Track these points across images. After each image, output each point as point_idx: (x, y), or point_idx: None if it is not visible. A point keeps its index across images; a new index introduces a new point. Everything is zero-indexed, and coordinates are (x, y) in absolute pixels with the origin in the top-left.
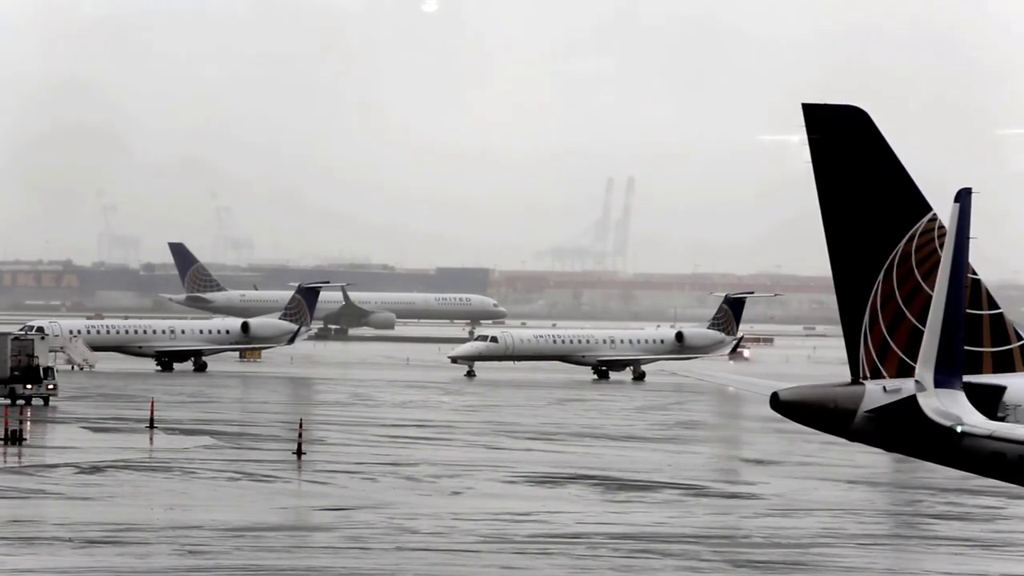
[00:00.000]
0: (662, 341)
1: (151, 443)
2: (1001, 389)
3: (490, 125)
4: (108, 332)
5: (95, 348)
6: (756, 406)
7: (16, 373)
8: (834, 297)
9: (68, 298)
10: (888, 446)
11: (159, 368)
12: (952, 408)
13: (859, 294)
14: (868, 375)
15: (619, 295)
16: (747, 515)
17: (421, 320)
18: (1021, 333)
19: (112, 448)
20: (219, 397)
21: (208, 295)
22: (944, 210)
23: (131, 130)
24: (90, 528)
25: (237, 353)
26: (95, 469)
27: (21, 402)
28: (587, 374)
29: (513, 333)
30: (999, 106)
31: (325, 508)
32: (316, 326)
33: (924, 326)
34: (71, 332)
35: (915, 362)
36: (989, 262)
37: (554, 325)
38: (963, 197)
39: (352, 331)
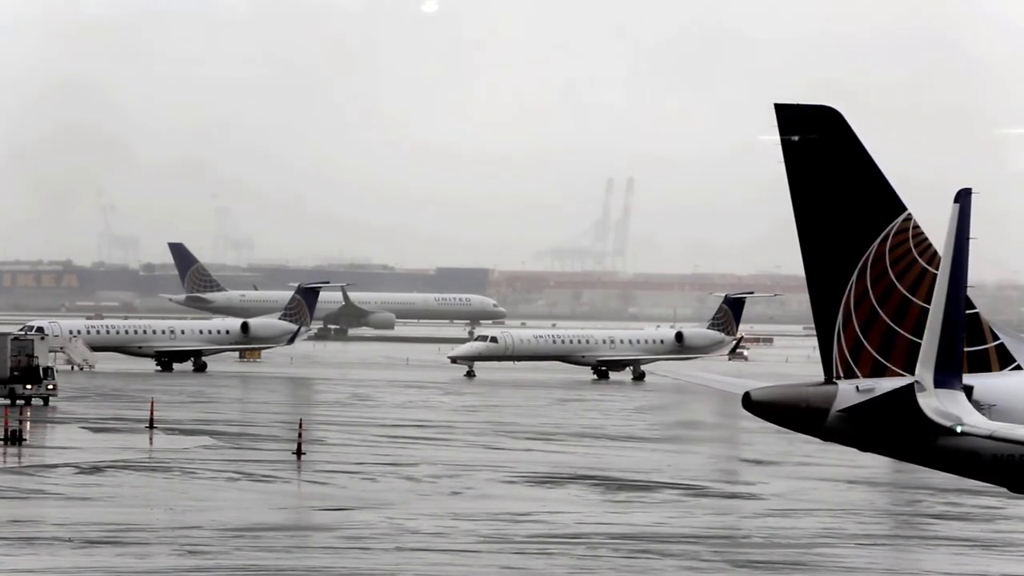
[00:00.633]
0: (662, 341)
1: (151, 443)
2: (968, 389)
3: (490, 125)
4: (108, 332)
5: (95, 348)
6: None
7: (16, 373)
8: None
9: (68, 298)
10: (861, 445)
11: (159, 368)
12: (952, 408)
13: (832, 294)
14: (841, 375)
15: (619, 295)
16: (747, 515)
17: (421, 320)
18: (997, 333)
19: (112, 448)
20: (219, 397)
21: (208, 295)
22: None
23: (131, 130)
24: (90, 528)
25: (237, 353)
26: (95, 469)
27: (21, 402)
28: (587, 374)
29: (513, 333)
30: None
31: (325, 508)
32: (316, 326)
33: (898, 326)
34: (71, 332)
35: (888, 362)
36: (989, 262)
37: (554, 325)
38: (963, 197)
39: (352, 331)
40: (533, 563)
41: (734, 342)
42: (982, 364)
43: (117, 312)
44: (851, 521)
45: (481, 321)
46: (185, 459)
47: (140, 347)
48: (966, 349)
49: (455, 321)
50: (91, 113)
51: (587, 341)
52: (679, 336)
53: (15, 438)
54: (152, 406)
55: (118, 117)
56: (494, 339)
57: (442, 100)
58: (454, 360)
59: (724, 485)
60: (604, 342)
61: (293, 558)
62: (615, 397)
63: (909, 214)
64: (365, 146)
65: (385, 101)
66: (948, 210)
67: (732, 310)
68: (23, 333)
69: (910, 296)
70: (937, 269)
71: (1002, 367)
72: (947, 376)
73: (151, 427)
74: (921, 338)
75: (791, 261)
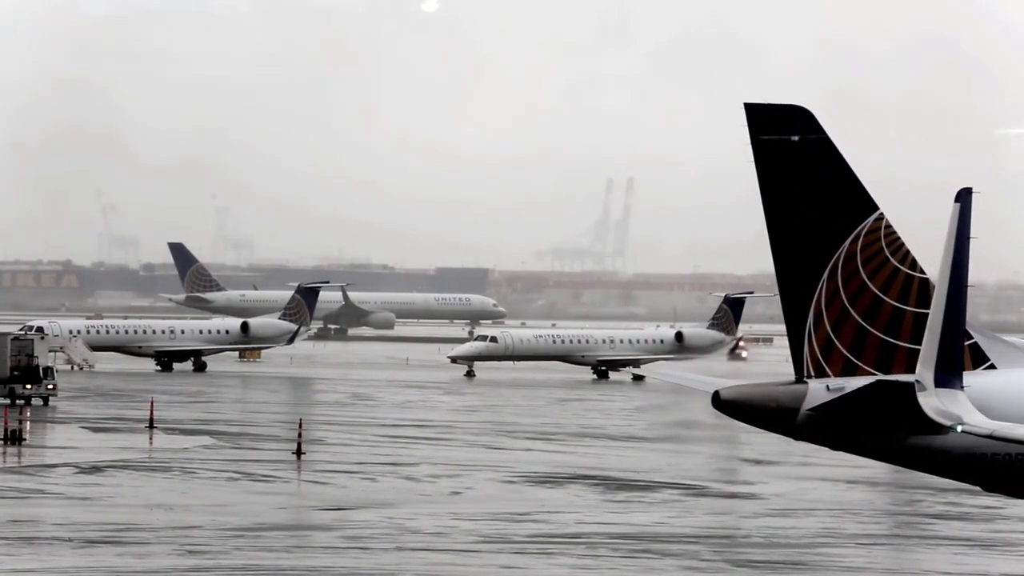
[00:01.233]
0: (662, 341)
1: (151, 443)
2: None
3: (490, 125)
4: (108, 332)
5: (95, 348)
6: None
7: (16, 373)
8: None
9: (67, 298)
10: (832, 444)
11: (159, 368)
12: (953, 408)
13: (803, 293)
14: (812, 374)
15: (619, 295)
16: (747, 515)
17: (421, 320)
18: (971, 332)
19: (112, 448)
20: (219, 397)
21: (208, 295)
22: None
23: (131, 130)
24: (90, 528)
25: (237, 353)
26: (95, 469)
27: (21, 402)
28: (587, 374)
29: (513, 333)
30: (999, 106)
31: (325, 508)
32: (316, 326)
33: (869, 325)
34: (71, 332)
35: (860, 361)
36: (989, 262)
37: (554, 325)
38: (963, 197)
39: (352, 331)
40: (533, 563)
41: (734, 342)
42: None
43: (117, 312)
44: (851, 521)
45: (481, 321)
46: (185, 459)
47: (140, 347)
48: None
49: (455, 321)
50: (91, 113)
51: (587, 341)
52: (679, 336)
53: (15, 438)
54: (152, 406)
55: (118, 117)
56: (494, 339)
57: (442, 100)
58: (454, 360)
59: (724, 485)
60: (604, 342)
61: (293, 558)
62: (615, 397)
63: (881, 213)
64: (365, 146)
65: (385, 101)
66: (947, 209)
67: (732, 310)
68: (23, 333)
69: (881, 295)
70: (909, 268)
71: (975, 366)
72: (947, 376)
73: (151, 427)
74: (893, 337)
75: None
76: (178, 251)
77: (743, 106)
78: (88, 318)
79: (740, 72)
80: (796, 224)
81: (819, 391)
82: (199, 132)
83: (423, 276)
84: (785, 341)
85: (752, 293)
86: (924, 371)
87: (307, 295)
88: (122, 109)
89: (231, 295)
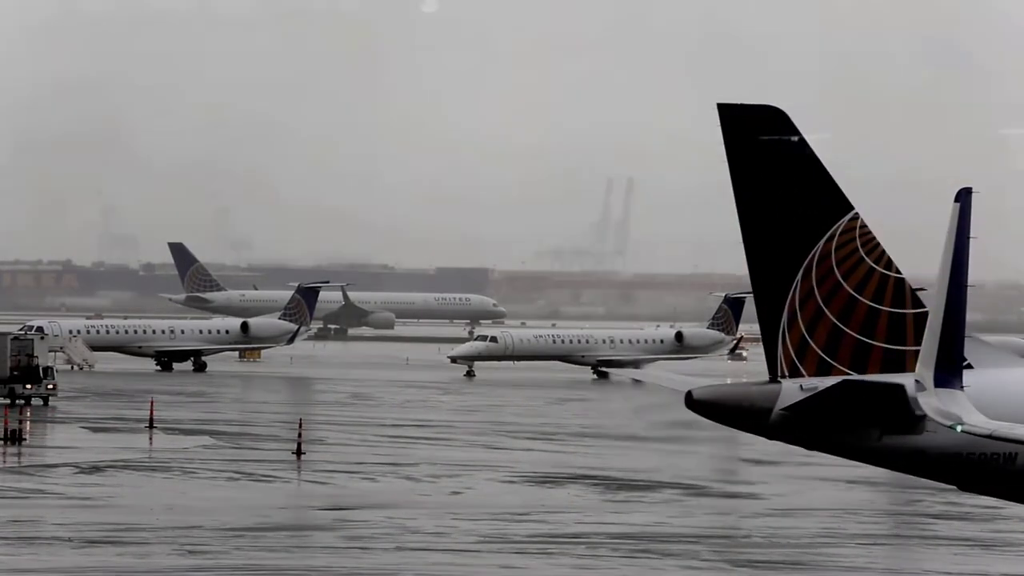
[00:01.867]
0: (662, 341)
1: (151, 443)
2: (901, 387)
3: (489, 125)
4: (108, 332)
5: (95, 348)
6: None
7: (16, 373)
8: None
9: (67, 298)
10: (806, 444)
11: (159, 368)
12: (953, 407)
13: (777, 293)
14: (786, 374)
15: (619, 295)
16: (747, 515)
17: (421, 320)
18: None
19: (112, 448)
20: (219, 397)
21: (208, 295)
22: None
23: (131, 131)
24: (90, 528)
25: (237, 353)
26: (95, 469)
27: (21, 402)
28: (587, 374)
29: (513, 333)
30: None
31: (325, 508)
32: (316, 326)
33: (844, 325)
34: (71, 332)
35: (834, 360)
36: (989, 262)
37: (554, 325)
38: (963, 197)
39: (352, 331)
40: (533, 563)
41: (734, 342)
42: None
43: (117, 312)
44: (851, 521)
45: (481, 321)
46: (185, 459)
47: (140, 347)
48: (915, 348)
49: (455, 321)
50: (91, 113)
51: (587, 341)
52: (679, 336)
53: (15, 438)
54: (152, 406)
55: (118, 117)
56: (494, 339)
57: (442, 100)
58: (454, 360)
59: (724, 485)
60: (604, 342)
61: (293, 558)
62: (615, 397)
63: (856, 213)
64: (365, 145)
65: (385, 100)
66: (947, 209)
67: (732, 310)
68: (23, 333)
69: (856, 295)
70: (884, 268)
71: None
72: (947, 376)
73: (151, 427)
74: (868, 337)
75: None
76: (178, 251)
77: (716, 106)
78: (88, 318)
79: (740, 72)
80: (770, 224)
81: (792, 390)
82: (199, 132)
83: (423, 276)
84: None
85: (752, 293)
86: (924, 371)
87: (307, 295)
88: (122, 109)
89: (231, 295)
